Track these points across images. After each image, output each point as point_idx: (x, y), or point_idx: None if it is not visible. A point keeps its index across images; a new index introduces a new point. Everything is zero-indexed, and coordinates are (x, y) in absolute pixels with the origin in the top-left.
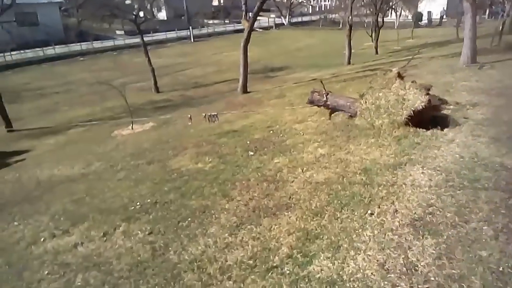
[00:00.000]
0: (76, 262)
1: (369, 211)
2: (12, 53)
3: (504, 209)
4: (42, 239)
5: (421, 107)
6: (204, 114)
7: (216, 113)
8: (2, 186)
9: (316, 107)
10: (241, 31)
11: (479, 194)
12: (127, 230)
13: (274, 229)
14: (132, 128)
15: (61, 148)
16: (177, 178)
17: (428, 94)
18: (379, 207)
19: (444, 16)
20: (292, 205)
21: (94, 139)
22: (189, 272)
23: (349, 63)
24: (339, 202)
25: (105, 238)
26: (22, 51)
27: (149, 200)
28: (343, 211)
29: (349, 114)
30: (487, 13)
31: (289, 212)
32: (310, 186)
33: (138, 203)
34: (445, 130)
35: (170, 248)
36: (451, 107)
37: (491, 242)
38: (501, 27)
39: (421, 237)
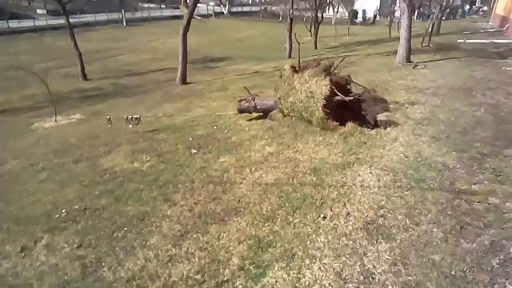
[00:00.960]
0: None
1: (321, 215)
2: None
3: (450, 210)
4: None
5: (328, 92)
6: (125, 116)
7: (139, 116)
8: None
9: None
10: (178, 17)
11: (426, 195)
12: (50, 243)
13: (223, 237)
14: (55, 120)
15: None
16: (109, 179)
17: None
18: (331, 210)
19: (377, 15)
20: (242, 209)
21: (10, 132)
22: None
23: (289, 56)
24: (290, 205)
25: (23, 254)
26: None
27: (77, 206)
28: (295, 215)
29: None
30: (415, 14)
31: (239, 218)
32: (260, 188)
33: (63, 210)
34: (388, 129)
35: (103, 264)
36: (391, 106)
37: (442, 245)
38: (430, 29)
39: (375, 242)
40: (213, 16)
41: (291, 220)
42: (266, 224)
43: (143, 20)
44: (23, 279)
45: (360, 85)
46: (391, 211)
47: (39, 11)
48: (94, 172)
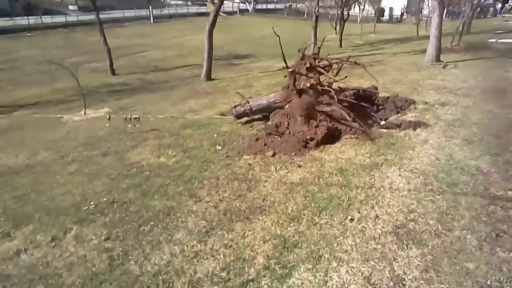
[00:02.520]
0: (19, 273)
1: (349, 217)
2: None
3: (485, 217)
4: None
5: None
6: (124, 117)
7: (138, 116)
8: None
9: None
10: (204, 14)
11: (459, 200)
12: (79, 235)
13: (248, 235)
14: (85, 113)
15: (3, 133)
16: (136, 173)
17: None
18: (359, 212)
19: (405, 13)
20: (267, 208)
21: (41, 124)
22: (153, 287)
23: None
24: (316, 205)
25: (53, 244)
26: None
27: (105, 199)
28: (321, 215)
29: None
30: (444, 12)
31: (264, 216)
32: (285, 187)
33: (92, 202)
34: (418, 130)
35: (130, 257)
36: (421, 106)
37: (476, 253)
38: (461, 27)
39: (406, 247)
40: (238, 13)
41: (317, 221)
42: (291, 224)
43: (169, 17)
44: (53, 269)
45: (347, 90)
46: (422, 216)
47: (70, 7)
48: (121, 165)
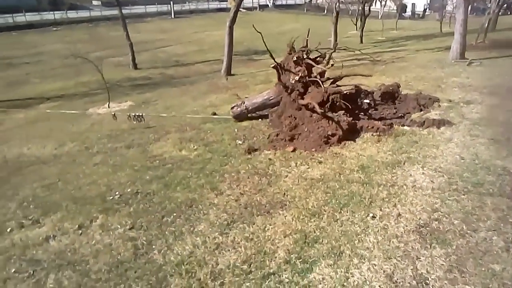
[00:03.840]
0: (48, 258)
1: (370, 214)
2: None
3: None
4: (8, 230)
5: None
6: (128, 114)
7: (142, 114)
8: None
9: None
10: (224, 9)
11: (485, 200)
12: (105, 223)
13: (269, 229)
14: (108, 107)
15: (31, 124)
16: (159, 166)
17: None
18: (381, 210)
19: (428, 9)
20: (287, 203)
21: (67, 117)
22: (176, 276)
23: (334, 50)
24: (337, 202)
25: (80, 232)
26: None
27: (129, 190)
28: (342, 212)
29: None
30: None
31: (284, 211)
32: (305, 182)
33: (117, 193)
34: (442, 128)
35: (154, 247)
36: (445, 104)
37: (503, 254)
38: (486, 24)
39: (429, 246)
40: (258, 9)
41: (338, 217)
42: (312, 220)
43: (190, 12)
44: (80, 255)
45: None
46: (447, 215)
47: (94, 2)
48: (144, 158)
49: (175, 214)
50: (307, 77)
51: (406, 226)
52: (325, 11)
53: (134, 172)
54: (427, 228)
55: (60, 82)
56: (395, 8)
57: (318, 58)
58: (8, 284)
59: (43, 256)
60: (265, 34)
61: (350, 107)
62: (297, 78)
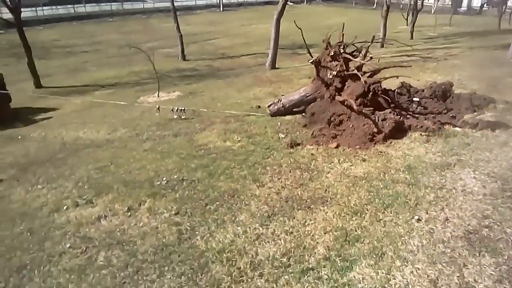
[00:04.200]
0: (99, 237)
1: (416, 217)
2: (44, 8)
3: None
4: (65, 207)
5: None
6: (172, 108)
7: (184, 108)
8: (27, 144)
9: None
10: (271, 3)
11: None
12: (152, 207)
13: (309, 224)
14: (158, 96)
15: (87, 109)
16: (204, 155)
17: None
18: (427, 213)
19: (485, 5)
20: (329, 199)
21: (119, 104)
22: (218, 263)
23: (382, 46)
24: (381, 201)
25: (129, 214)
26: (54, 7)
27: (175, 176)
28: (386, 212)
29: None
30: None
31: (325, 207)
32: (348, 179)
33: (164, 179)
34: (497, 131)
35: (197, 233)
36: (501, 106)
37: None
38: None
39: (478, 254)
40: (305, 2)
41: (381, 217)
42: (353, 218)
43: (238, 5)
44: (129, 236)
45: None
46: (498, 223)
47: None
48: (190, 146)
49: (218, 202)
50: (344, 72)
51: (454, 231)
52: (375, 5)
53: (181, 159)
54: (477, 235)
55: (114, 71)
56: (449, 2)
57: (355, 52)
58: (63, 257)
59: (95, 234)
60: (312, 28)
61: (390, 100)
62: (334, 73)
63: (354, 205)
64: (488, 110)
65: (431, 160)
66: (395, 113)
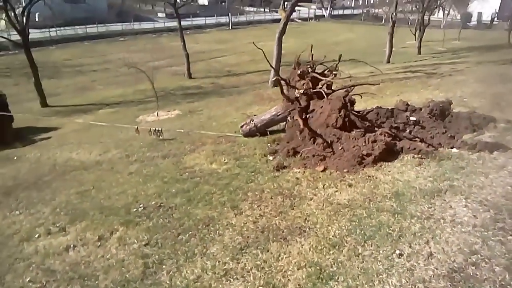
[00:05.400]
0: (62, 270)
1: (397, 251)
2: (58, 29)
3: None
4: (36, 236)
5: None
6: (149, 128)
7: (161, 128)
8: (20, 165)
9: None
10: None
11: None
12: (123, 237)
13: (283, 258)
14: (157, 115)
15: (86, 129)
16: (187, 178)
17: None
18: (410, 247)
19: (496, 19)
20: (307, 229)
21: (119, 123)
22: None
23: (388, 61)
24: (362, 233)
25: (99, 243)
26: (67, 28)
27: (153, 203)
28: (366, 245)
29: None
30: None
31: (302, 239)
32: (331, 207)
33: (141, 205)
34: (495, 153)
35: (164, 267)
36: (502, 125)
37: None
38: None
39: None
40: (314, 19)
41: (360, 251)
42: (331, 252)
43: (247, 23)
44: (92, 269)
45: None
46: (487, 259)
47: (159, 14)
48: (176, 169)
49: (191, 232)
50: (311, 90)
51: (437, 269)
52: (383, 21)
53: (163, 184)
54: (461, 274)
55: (121, 89)
56: (459, 17)
57: (326, 72)
58: None
59: (59, 267)
60: (319, 44)
61: (361, 118)
62: (301, 91)
63: (333, 236)
64: (488, 130)
65: (421, 185)
66: (387, 134)
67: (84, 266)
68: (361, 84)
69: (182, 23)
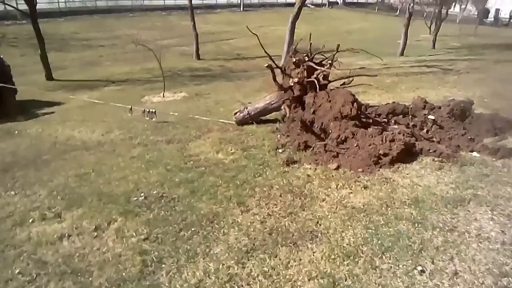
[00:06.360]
0: (55, 262)
1: (419, 267)
2: (67, 0)
3: None
4: (30, 220)
5: None
6: (143, 110)
7: (154, 110)
8: (20, 140)
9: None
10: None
11: None
12: (121, 228)
13: (292, 266)
14: (163, 96)
15: (90, 105)
16: (192, 167)
17: None
18: (432, 262)
19: None
20: (319, 234)
21: (124, 102)
22: None
23: (402, 54)
24: (379, 242)
25: (95, 234)
26: (76, 0)
27: (155, 192)
28: (383, 257)
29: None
30: None
31: (314, 245)
32: (344, 211)
33: (142, 194)
34: None
35: (163, 266)
36: None
37: None
38: None
39: None
40: (327, 6)
41: (377, 263)
42: (345, 262)
43: (259, 6)
44: (87, 264)
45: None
46: None
47: None
48: (180, 156)
49: (193, 229)
50: (305, 79)
51: None
52: (398, 12)
53: (166, 171)
54: None
55: (128, 67)
56: (476, 12)
57: (324, 61)
58: (9, 285)
59: (51, 258)
60: (332, 32)
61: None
62: (295, 80)
63: (347, 244)
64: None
65: (442, 192)
66: (406, 134)
67: (78, 259)
68: (358, 76)
69: (193, 2)
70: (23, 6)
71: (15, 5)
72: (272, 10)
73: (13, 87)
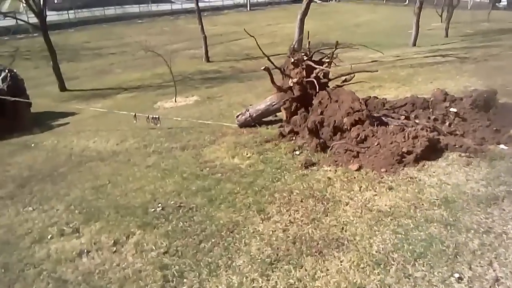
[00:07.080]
0: (75, 280)
1: (455, 274)
2: (76, 11)
3: None
4: (49, 237)
5: None
6: (147, 116)
7: (158, 116)
8: (37, 154)
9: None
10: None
11: None
12: (140, 242)
13: (320, 277)
14: (175, 101)
15: (104, 114)
16: (208, 175)
17: None
18: (470, 268)
19: None
20: (345, 242)
21: (137, 109)
22: None
23: (414, 44)
24: (410, 248)
25: (114, 249)
26: (84, 10)
27: (172, 202)
28: (416, 264)
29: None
30: None
31: (341, 253)
32: (370, 215)
33: (159, 205)
34: None
35: (185, 281)
36: None
37: None
38: None
39: None
40: (334, 0)
41: (410, 271)
42: (375, 271)
43: (266, 4)
44: (107, 281)
45: None
46: None
47: None
48: (196, 163)
49: (213, 240)
50: (304, 79)
51: None
52: (407, 1)
53: (182, 180)
54: None
55: (139, 73)
56: None
57: (324, 59)
58: None
59: (71, 276)
60: (340, 26)
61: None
62: (295, 80)
63: (376, 252)
64: None
65: (473, 190)
66: (429, 129)
67: (98, 276)
68: (360, 72)
69: (200, 4)
70: (34, 20)
71: (26, 19)
72: (279, 7)
73: (27, 101)
